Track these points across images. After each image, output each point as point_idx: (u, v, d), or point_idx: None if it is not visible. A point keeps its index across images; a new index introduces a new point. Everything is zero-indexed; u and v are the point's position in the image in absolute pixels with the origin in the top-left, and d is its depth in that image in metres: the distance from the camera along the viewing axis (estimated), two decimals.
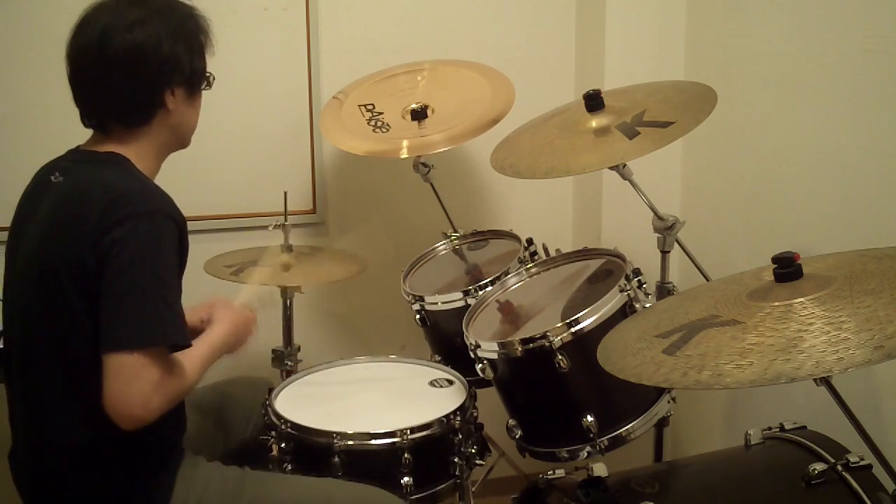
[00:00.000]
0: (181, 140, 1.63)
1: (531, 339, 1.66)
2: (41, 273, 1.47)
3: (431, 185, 2.37)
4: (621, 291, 1.70)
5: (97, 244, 1.40)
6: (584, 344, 1.63)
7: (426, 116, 2.30)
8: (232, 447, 1.86)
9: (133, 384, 1.37)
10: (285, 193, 2.20)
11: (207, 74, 1.62)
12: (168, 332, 1.42)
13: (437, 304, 2.05)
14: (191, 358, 1.50)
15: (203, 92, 1.64)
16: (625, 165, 1.85)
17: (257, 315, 1.75)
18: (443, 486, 1.78)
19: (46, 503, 1.55)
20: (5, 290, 1.58)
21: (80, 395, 1.45)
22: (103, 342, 1.38)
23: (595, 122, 1.91)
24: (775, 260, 1.31)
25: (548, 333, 1.64)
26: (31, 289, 1.49)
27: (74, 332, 1.44)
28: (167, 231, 1.45)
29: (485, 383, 1.84)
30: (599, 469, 1.53)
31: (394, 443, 1.70)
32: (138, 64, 1.50)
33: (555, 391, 1.72)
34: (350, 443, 1.70)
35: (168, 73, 1.53)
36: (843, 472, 1.50)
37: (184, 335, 1.46)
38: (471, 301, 1.98)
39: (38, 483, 1.54)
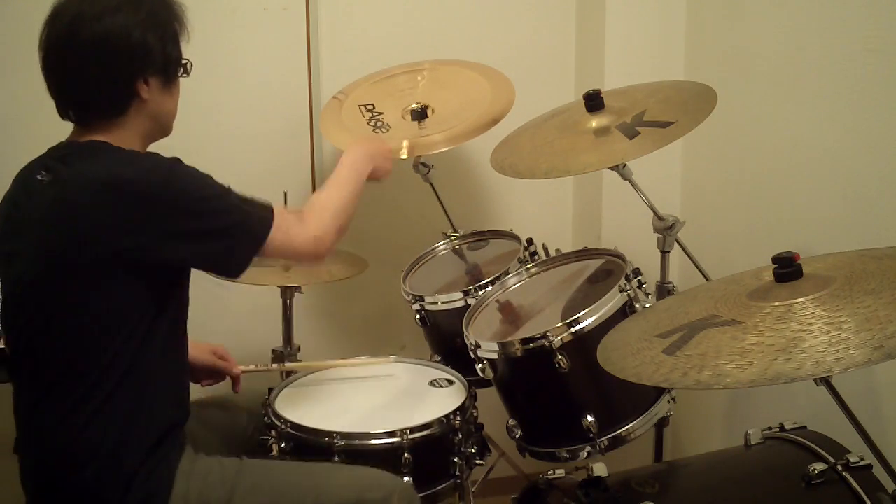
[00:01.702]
0: (162, 128, 1.63)
1: (531, 339, 1.66)
2: (49, 272, 1.46)
3: (431, 185, 2.37)
4: (621, 291, 1.70)
5: (157, 227, 1.44)
6: (584, 344, 1.63)
7: (426, 116, 2.30)
8: (227, 445, 1.86)
9: (292, 243, 1.57)
10: (285, 193, 2.20)
11: (184, 62, 1.61)
12: (266, 209, 1.55)
13: (437, 304, 2.05)
14: (318, 193, 1.69)
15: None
16: (625, 165, 1.85)
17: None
18: (443, 486, 1.78)
19: (51, 497, 1.55)
20: (3, 292, 1.58)
21: (87, 393, 1.46)
22: (244, 259, 1.53)
23: (595, 122, 1.91)
24: (775, 260, 1.31)
25: (548, 333, 1.64)
26: (39, 287, 1.48)
27: (83, 326, 1.45)
28: (184, 167, 1.52)
29: (485, 383, 1.84)
30: (599, 469, 1.53)
31: (394, 443, 1.70)
32: (108, 53, 1.50)
33: (555, 391, 1.72)
34: (350, 443, 1.70)
35: (139, 61, 1.53)
36: (843, 472, 1.50)
37: (269, 205, 1.58)
38: (471, 301, 1.98)
39: (43, 479, 1.54)
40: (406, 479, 1.69)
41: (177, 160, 1.52)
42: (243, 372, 1.91)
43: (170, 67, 1.58)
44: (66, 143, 1.57)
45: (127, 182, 1.44)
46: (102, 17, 1.49)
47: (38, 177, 1.53)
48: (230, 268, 1.54)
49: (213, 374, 1.88)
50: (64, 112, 1.56)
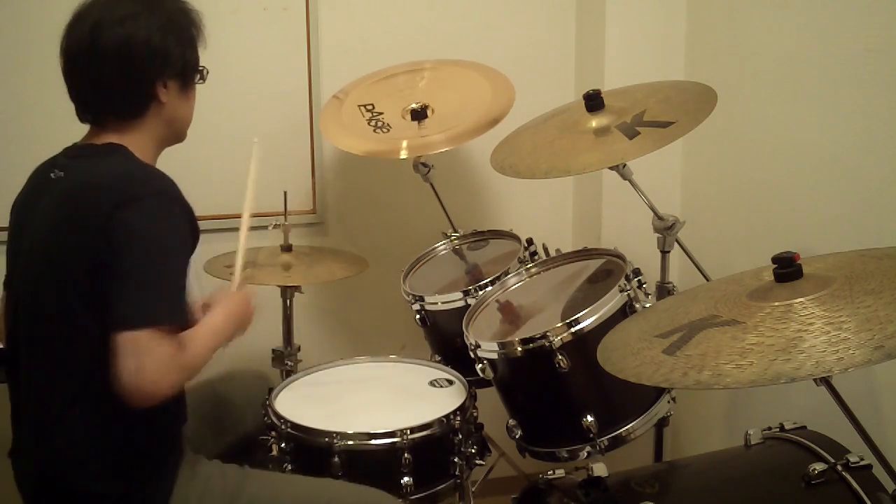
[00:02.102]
0: (177, 134, 1.64)
1: (531, 339, 1.66)
2: (50, 270, 1.47)
3: (431, 185, 2.37)
4: (621, 291, 1.70)
5: (105, 227, 1.42)
6: (584, 344, 1.63)
7: (426, 116, 2.30)
8: (226, 445, 1.86)
9: (142, 361, 1.37)
10: (285, 193, 2.20)
11: (201, 68, 1.64)
12: (174, 310, 1.44)
13: (437, 304, 2.05)
14: (196, 336, 1.51)
15: (198, 86, 1.65)
16: (625, 165, 1.85)
17: (254, 295, 1.74)
18: (443, 486, 1.78)
19: (48, 500, 1.55)
20: (6, 290, 1.58)
21: (87, 390, 1.47)
22: (113, 321, 1.39)
23: (595, 122, 1.91)
24: (775, 260, 1.31)
25: (548, 333, 1.64)
26: (41, 287, 1.49)
27: (86, 326, 1.45)
28: (173, 211, 1.47)
29: (485, 383, 1.84)
30: (599, 469, 1.53)
31: (394, 443, 1.70)
32: (129, 57, 1.52)
33: (555, 391, 1.72)
34: (350, 443, 1.70)
35: (159, 65, 1.55)
36: (843, 472, 1.50)
37: (187, 315, 1.48)
38: (471, 301, 1.98)
39: (42, 479, 1.54)
40: (407, 484, 1.69)
41: (177, 201, 1.49)
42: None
43: (187, 72, 1.60)
44: (83, 145, 1.58)
45: (130, 195, 1.44)
46: (124, 22, 1.51)
47: (52, 175, 1.54)
48: (112, 315, 1.40)
49: None
50: (83, 115, 1.58)
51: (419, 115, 2.30)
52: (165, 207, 1.47)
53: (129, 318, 1.39)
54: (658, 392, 1.74)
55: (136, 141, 1.56)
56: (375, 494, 1.65)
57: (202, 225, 2.43)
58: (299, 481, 1.69)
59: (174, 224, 1.47)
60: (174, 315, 1.43)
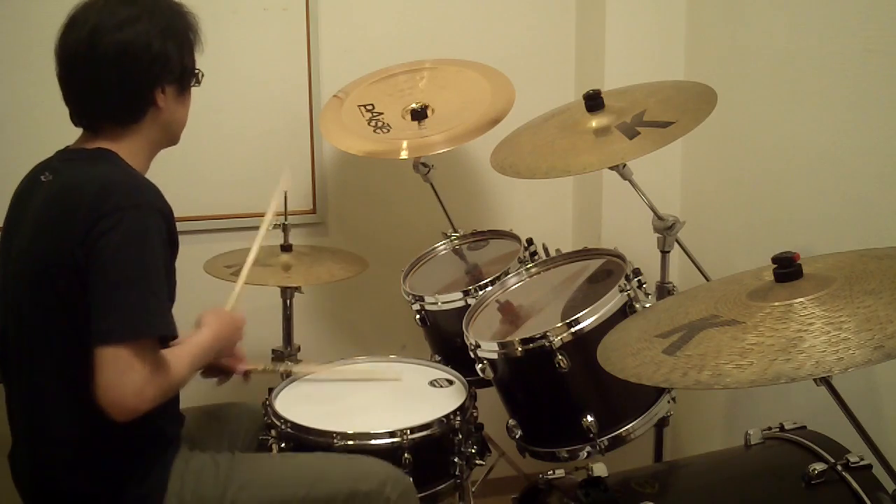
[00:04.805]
0: (171, 137, 1.63)
1: (531, 339, 1.66)
2: (35, 272, 1.47)
3: (431, 185, 2.37)
4: (621, 291, 1.70)
5: (86, 238, 1.41)
6: (584, 344, 1.63)
7: (426, 116, 2.30)
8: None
9: (124, 376, 1.37)
10: (285, 193, 2.20)
11: (197, 71, 1.63)
12: (156, 323, 1.43)
13: (437, 304, 2.05)
14: (178, 355, 1.50)
15: (194, 89, 1.64)
16: (625, 165, 1.85)
17: (245, 316, 1.75)
18: (443, 486, 1.78)
19: (45, 499, 1.55)
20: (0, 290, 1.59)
21: (76, 390, 1.46)
22: (93, 335, 1.38)
23: (595, 122, 1.91)
24: (775, 260, 1.31)
25: (548, 333, 1.64)
26: (26, 288, 1.49)
27: (69, 328, 1.45)
28: (153, 223, 1.45)
29: (485, 383, 1.84)
30: (599, 469, 1.53)
31: (394, 443, 1.70)
32: (128, 63, 1.50)
33: (555, 391, 1.72)
34: (350, 443, 1.70)
35: (158, 71, 1.53)
36: (843, 472, 1.50)
37: (171, 326, 1.47)
38: (471, 301, 1.98)
39: (37, 479, 1.54)
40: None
41: (158, 211, 1.47)
42: (247, 372, 1.87)
43: (185, 76, 1.59)
44: (75, 148, 1.57)
45: (110, 206, 1.42)
46: (123, 27, 1.49)
47: (42, 177, 1.54)
48: (92, 329, 1.39)
49: (217, 370, 1.85)
50: (78, 119, 1.56)
51: (419, 115, 2.30)
52: (147, 219, 1.44)
53: (107, 332, 1.38)
54: (658, 392, 1.74)
55: (129, 146, 1.54)
56: (368, 462, 1.65)
57: (202, 225, 2.48)
58: (291, 458, 1.69)
59: (153, 235, 1.44)
60: (154, 327, 1.42)
